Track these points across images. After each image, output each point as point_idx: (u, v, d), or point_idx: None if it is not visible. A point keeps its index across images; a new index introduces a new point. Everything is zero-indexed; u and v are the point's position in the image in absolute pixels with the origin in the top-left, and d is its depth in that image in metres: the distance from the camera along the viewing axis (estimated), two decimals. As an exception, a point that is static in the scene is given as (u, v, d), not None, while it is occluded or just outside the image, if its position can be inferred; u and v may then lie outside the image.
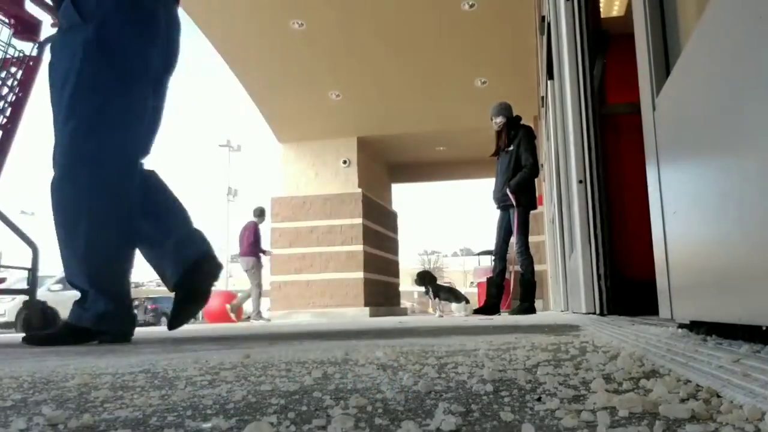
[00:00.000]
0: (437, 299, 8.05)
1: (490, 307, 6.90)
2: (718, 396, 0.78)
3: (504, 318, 5.93)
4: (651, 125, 1.63)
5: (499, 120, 6.90)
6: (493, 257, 7.54)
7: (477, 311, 7.15)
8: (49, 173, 3.01)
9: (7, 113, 4.17)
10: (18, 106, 4.20)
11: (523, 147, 6.71)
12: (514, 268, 7.49)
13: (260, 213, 12.98)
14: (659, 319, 1.91)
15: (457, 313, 7.77)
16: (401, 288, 19.09)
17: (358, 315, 13.58)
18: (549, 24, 5.81)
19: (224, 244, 26.77)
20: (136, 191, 3.07)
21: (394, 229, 17.99)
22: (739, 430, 0.62)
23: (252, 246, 12.47)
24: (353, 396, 0.92)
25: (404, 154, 16.59)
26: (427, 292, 8.31)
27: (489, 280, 7.52)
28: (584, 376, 1.08)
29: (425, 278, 8.19)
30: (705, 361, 1.02)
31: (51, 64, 3.00)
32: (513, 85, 12.27)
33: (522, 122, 7.05)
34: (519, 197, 6.62)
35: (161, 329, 10.13)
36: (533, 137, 6.97)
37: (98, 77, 2.90)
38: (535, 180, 7.07)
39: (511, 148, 6.76)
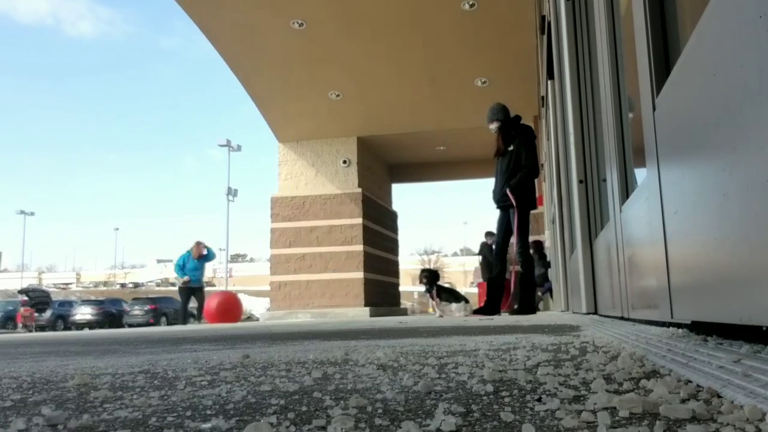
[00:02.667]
0: (437, 299, 8.05)
1: (489, 307, 6.90)
2: (719, 396, 0.78)
3: (504, 318, 5.93)
4: (651, 125, 1.63)
5: (493, 126, 6.89)
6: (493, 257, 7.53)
7: (477, 311, 7.14)
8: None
9: None
10: None
11: (523, 147, 6.69)
12: (514, 268, 7.47)
13: None
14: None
15: (457, 314, 7.77)
16: (401, 288, 19.09)
17: (358, 315, 13.58)
18: (549, 24, 5.81)
19: (224, 244, 26.73)
20: None
21: (394, 229, 17.99)
22: (740, 431, 0.62)
23: None
24: (353, 396, 0.92)
25: (404, 154, 16.58)
26: (428, 291, 8.29)
27: (489, 280, 7.50)
28: (584, 376, 1.07)
29: (429, 276, 8.19)
30: (705, 361, 1.01)
31: None
32: (513, 85, 12.26)
33: (522, 122, 7.02)
34: (518, 197, 6.61)
35: (161, 329, 10.13)
36: (533, 137, 6.94)
37: None
38: (535, 180, 7.06)
39: (511, 148, 6.74)
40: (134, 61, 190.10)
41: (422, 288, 8.61)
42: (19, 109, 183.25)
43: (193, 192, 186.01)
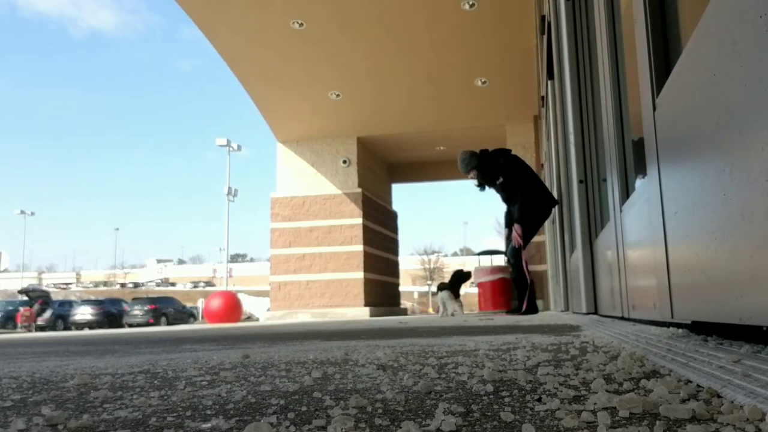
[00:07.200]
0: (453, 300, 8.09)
1: (526, 307, 6.76)
2: (719, 396, 0.78)
3: (504, 318, 5.94)
4: (651, 125, 1.63)
5: (473, 174, 6.68)
6: (506, 258, 7.57)
7: (511, 312, 7.07)
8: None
9: None
10: None
11: (510, 174, 6.44)
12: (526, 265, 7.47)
13: None
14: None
15: (453, 314, 7.83)
16: (401, 288, 19.09)
17: (358, 315, 13.58)
18: (549, 24, 5.81)
19: (224, 244, 26.71)
20: None
21: (394, 229, 17.99)
22: (740, 431, 0.62)
23: None
24: (353, 396, 0.92)
25: (404, 154, 16.58)
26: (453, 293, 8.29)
27: (514, 281, 7.32)
28: (584, 376, 1.07)
29: (460, 279, 8.19)
30: (705, 361, 1.01)
31: None
32: (513, 85, 12.25)
33: (494, 149, 6.81)
34: (524, 228, 6.47)
35: (161, 329, 10.14)
36: (514, 159, 6.72)
37: None
38: (536, 180, 6.98)
39: (501, 180, 6.60)
40: (154, 52, 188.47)
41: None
42: (22, 107, 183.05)
43: (193, 192, 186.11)
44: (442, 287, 8.40)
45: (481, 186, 6.75)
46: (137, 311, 23.77)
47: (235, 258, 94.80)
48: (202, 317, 22.31)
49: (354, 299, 14.24)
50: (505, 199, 6.72)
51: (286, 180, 14.91)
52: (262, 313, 19.29)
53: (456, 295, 8.14)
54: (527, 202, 6.46)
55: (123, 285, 76.01)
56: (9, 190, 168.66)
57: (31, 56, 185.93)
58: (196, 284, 75.36)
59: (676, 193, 1.44)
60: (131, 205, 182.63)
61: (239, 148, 26.45)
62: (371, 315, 13.72)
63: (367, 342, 2.53)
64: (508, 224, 6.75)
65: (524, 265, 6.67)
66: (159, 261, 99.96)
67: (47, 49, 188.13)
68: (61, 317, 24.32)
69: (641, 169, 2.08)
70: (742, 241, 0.99)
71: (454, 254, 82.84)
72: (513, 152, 6.94)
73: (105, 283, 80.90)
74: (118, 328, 17.36)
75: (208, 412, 0.89)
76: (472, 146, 15.68)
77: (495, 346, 1.97)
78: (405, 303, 25.61)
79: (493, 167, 6.64)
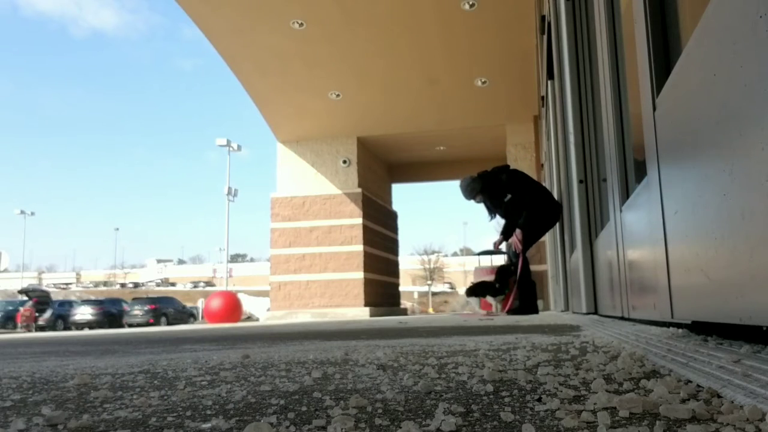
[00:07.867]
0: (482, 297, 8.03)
1: (526, 307, 6.76)
2: (719, 396, 0.78)
3: (504, 318, 5.94)
4: (651, 125, 1.63)
5: (479, 198, 6.71)
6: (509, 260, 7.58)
7: (512, 312, 7.04)
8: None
9: None
10: None
11: (517, 190, 6.51)
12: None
13: None
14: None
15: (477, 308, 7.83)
16: (401, 288, 19.09)
17: (358, 315, 13.58)
18: (549, 24, 5.81)
19: (224, 244, 26.70)
20: None
21: (394, 229, 17.99)
22: (740, 431, 0.62)
23: None
24: (353, 396, 0.92)
25: (404, 154, 16.58)
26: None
27: (520, 279, 7.31)
28: (585, 376, 1.07)
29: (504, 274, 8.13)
30: (705, 361, 1.01)
31: None
32: (513, 85, 12.25)
33: (493, 168, 6.82)
34: (525, 234, 6.49)
35: (161, 329, 10.14)
36: (515, 173, 6.79)
37: None
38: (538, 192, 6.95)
39: (509, 197, 6.61)
40: (155, 52, 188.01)
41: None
42: (22, 107, 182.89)
43: (193, 192, 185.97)
44: (481, 289, 8.23)
45: (491, 212, 6.76)
46: (137, 311, 23.75)
47: (235, 258, 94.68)
48: (202, 317, 22.30)
49: (354, 299, 14.24)
50: (507, 214, 6.66)
51: (286, 180, 14.91)
52: (262, 313, 19.29)
53: (504, 289, 8.05)
54: (534, 213, 6.49)
55: (123, 285, 75.97)
56: (9, 190, 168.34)
57: (31, 56, 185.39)
58: (196, 284, 75.32)
59: (676, 193, 1.44)
60: (131, 205, 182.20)
61: (239, 148, 26.41)
62: (371, 315, 13.72)
63: (367, 342, 2.53)
64: (505, 232, 6.75)
65: (525, 266, 6.70)
66: (159, 261, 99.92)
67: (48, 48, 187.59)
68: (61, 317, 24.29)
69: (641, 170, 2.08)
70: (742, 241, 0.99)
71: (454, 254, 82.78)
72: (512, 166, 6.97)
73: (105, 283, 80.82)
74: (118, 328, 17.35)
75: (208, 412, 0.89)
76: (472, 146, 15.77)
77: (495, 346, 1.97)
78: (405, 303, 25.62)
79: (498, 186, 6.66)
